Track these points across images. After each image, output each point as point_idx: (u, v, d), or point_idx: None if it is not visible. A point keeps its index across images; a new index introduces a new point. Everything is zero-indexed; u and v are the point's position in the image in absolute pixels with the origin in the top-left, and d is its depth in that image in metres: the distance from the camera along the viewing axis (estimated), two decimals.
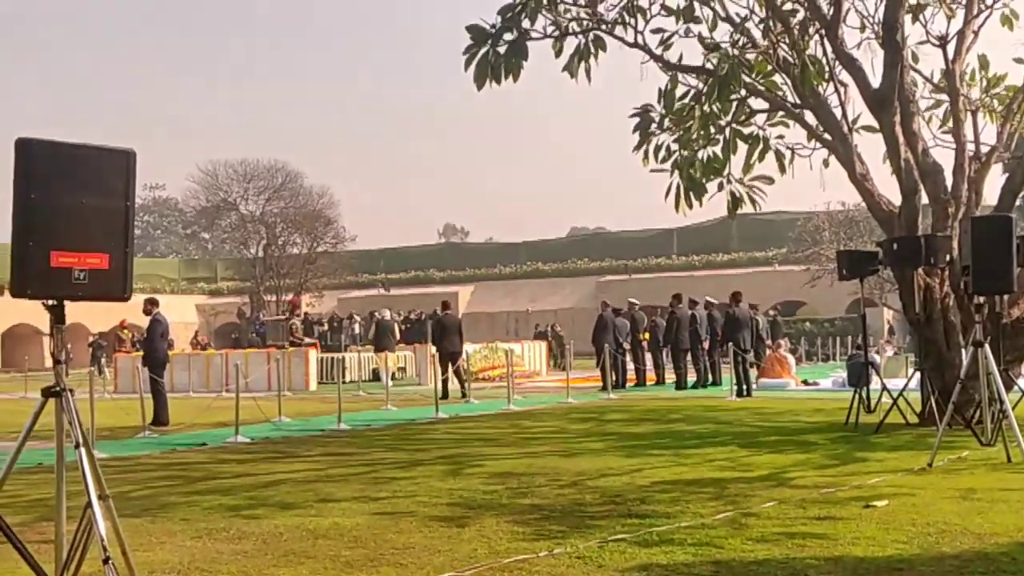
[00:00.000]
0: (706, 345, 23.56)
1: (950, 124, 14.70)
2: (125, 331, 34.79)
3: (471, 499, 8.15)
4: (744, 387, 20.27)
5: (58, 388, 4.86)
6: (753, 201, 15.27)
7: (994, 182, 14.52)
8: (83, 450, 4.77)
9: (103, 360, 39.46)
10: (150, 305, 17.13)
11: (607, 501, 7.89)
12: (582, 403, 19.56)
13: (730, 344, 20.37)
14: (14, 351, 51.88)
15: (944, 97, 15.10)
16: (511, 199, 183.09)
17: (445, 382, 20.94)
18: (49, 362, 5.05)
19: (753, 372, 24.58)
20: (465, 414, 17.48)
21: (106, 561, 4.53)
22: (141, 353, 19.80)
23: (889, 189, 14.24)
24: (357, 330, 41.85)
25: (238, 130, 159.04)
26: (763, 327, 27.70)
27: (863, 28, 14.98)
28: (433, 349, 22.51)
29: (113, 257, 4.89)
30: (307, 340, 31.83)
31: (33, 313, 36.90)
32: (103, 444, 12.86)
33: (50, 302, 4.82)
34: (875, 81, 13.61)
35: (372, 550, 6.27)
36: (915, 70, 14.74)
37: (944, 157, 14.11)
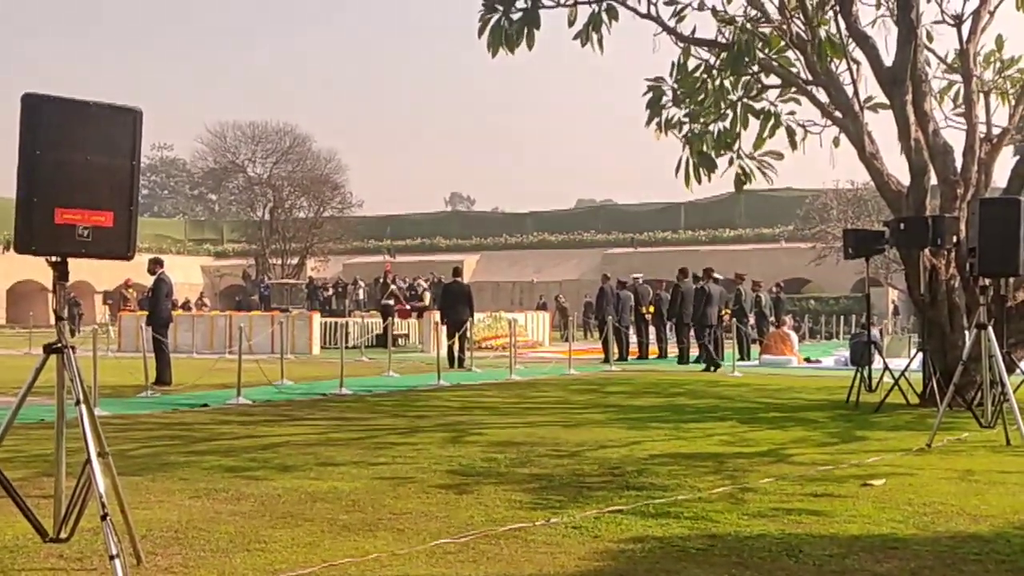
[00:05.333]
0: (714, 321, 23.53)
1: (962, 105, 14.61)
2: (130, 290, 34.85)
3: (470, 467, 8.18)
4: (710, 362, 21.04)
5: (60, 344, 4.87)
6: (765, 175, 15.21)
7: (1004, 165, 14.42)
8: (83, 407, 4.78)
9: (78, 319, 39.16)
10: (155, 265, 17.16)
11: (606, 472, 7.91)
12: (584, 374, 19.59)
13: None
14: (19, 307, 52.00)
15: (957, 77, 15.01)
16: (518, 169, 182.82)
17: (451, 350, 20.97)
18: (53, 318, 5.03)
19: (755, 348, 24.67)
20: (467, 382, 17.52)
21: (104, 518, 4.54)
22: (145, 312, 19.83)
23: (898, 169, 14.20)
24: (361, 295, 41.87)
25: (247, 92, 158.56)
26: (766, 303, 27.73)
27: (878, 5, 14.87)
28: (437, 316, 22.49)
29: (117, 215, 4.88)
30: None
31: (38, 269, 36.81)
32: (105, 402, 12.91)
33: (53, 259, 4.82)
34: (888, 59, 13.51)
35: (370, 514, 6.30)
36: (929, 49, 14.65)
37: (955, 138, 14.06)
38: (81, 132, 4.79)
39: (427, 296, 32.21)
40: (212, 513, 6.34)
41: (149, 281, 17.68)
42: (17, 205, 4.64)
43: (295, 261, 56.30)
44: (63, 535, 4.91)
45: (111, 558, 4.44)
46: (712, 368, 20.70)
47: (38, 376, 4.83)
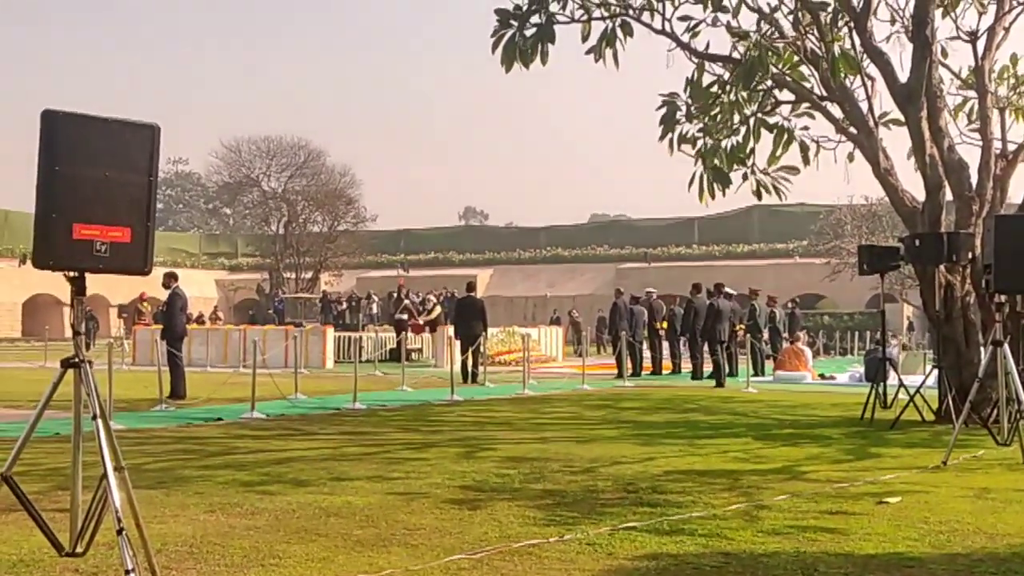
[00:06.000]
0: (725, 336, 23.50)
1: (977, 121, 14.58)
2: (145, 304, 34.96)
3: (484, 482, 8.18)
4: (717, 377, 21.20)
5: (77, 359, 4.89)
6: (778, 191, 15.23)
7: (1020, 181, 14.46)
8: (100, 422, 4.79)
9: (93, 333, 39.27)
10: (170, 279, 17.24)
11: (620, 489, 7.90)
12: (597, 390, 19.57)
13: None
14: (35, 320, 52.23)
15: (972, 94, 14.99)
16: (532, 184, 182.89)
17: (464, 364, 20.96)
18: (69, 332, 5.04)
19: (769, 364, 24.61)
20: (480, 397, 17.52)
21: (120, 532, 4.56)
22: (160, 326, 19.89)
23: (913, 185, 14.18)
24: (375, 310, 41.93)
25: (261, 107, 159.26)
26: (780, 319, 27.66)
27: (893, 21, 14.85)
28: (451, 330, 22.47)
29: (135, 231, 4.90)
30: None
31: (54, 283, 37.07)
32: (120, 416, 12.95)
33: (71, 274, 4.84)
34: (903, 75, 13.51)
35: (383, 530, 6.30)
36: (944, 65, 14.64)
37: (970, 154, 14.04)
38: (99, 148, 4.82)
39: (437, 310, 32.23)
40: (226, 528, 6.36)
41: (164, 295, 17.75)
42: (36, 220, 4.67)
43: (309, 275, 56.41)
44: (79, 549, 4.92)
45: (127, 572, 4.45)
46: (719, 385, 20.64)
47: (55, 390, 4.85)
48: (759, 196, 15.40)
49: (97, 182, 4.78)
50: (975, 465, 9.36)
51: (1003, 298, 10.05)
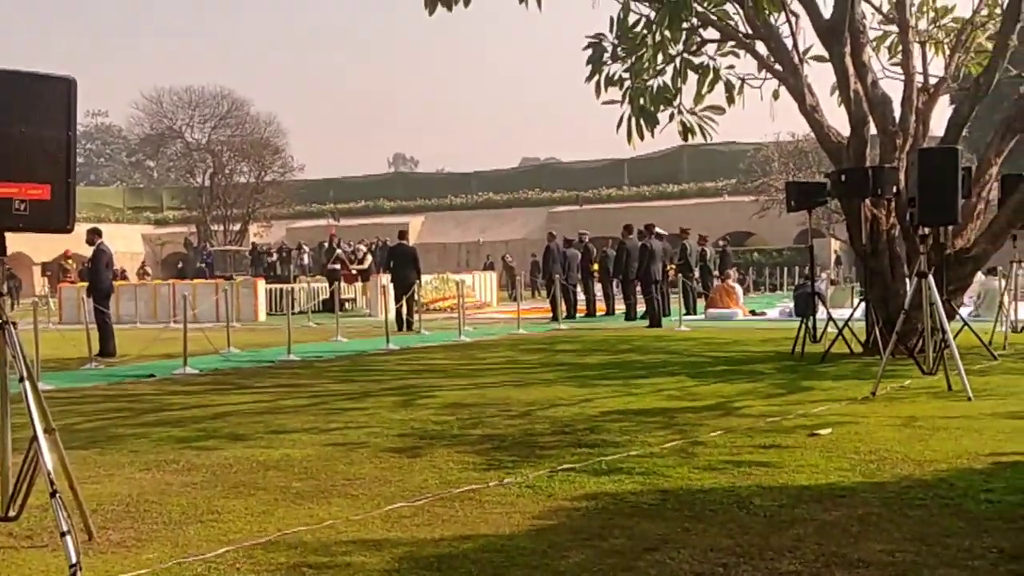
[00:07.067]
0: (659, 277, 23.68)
1: (899, 55, 14.74)
2: (69, 261, 34.28)
3: (422, 430, 8.19)
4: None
5: (1, 320, 4.78)
6: (704, 131, 15.31)
7: (941, 114, 14.67)
8: (27, 383, 4.70)
9: (17, 292, 38.49)
10: (94, 235, 16.89)
11: (557, 431, 7.96)
12: (532, 334, 19.65)
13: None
14: None
15: (893, 28, 15.12)
16: (461, 129, 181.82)
17: (399, 313, 20.91)
18: None
19: (701, 302, 24.90)
20: (416, 345, 17.50)
21: (53, 495, 4.49)
22: (86, 283, 19.53)
23: (838, 120, 14.33)
24: (306, 260, 41.57)
25: (183, 56, 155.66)
26: (711, 257, 27.95)
27: None
28: (385, 279, 22.36)
29: (55, 188, 4.77)
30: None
31: None
32: (48, 375, 12.71)
33: None
34: (826, 11, 13.58)
35: (323, 481, 6.29)
36: (866, 0, 14.73)
37: (893, 89, 14.19)
38: (13, 103, 4.67)
39: (368, 259, 32.07)
40: (163, 485, 6.29)
41: (88, 251, 17.40)
42: None
43: (237, 227, 55.75)
44: (11, 513, 4.84)
45: (62, 535, 4.38)
46: (653, 325, 20.83)
47: None
48: (685, 137, 15.47)
49: (12, 138, 4.62)
50: (903, 394, 9.58)
51: (927, 230, 10.24)
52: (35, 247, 50.39)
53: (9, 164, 4.62)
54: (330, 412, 9.39)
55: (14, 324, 4.81)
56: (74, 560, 4.34)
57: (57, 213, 4.81)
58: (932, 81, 14.52)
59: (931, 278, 9.87)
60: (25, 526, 5.20)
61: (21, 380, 4.71)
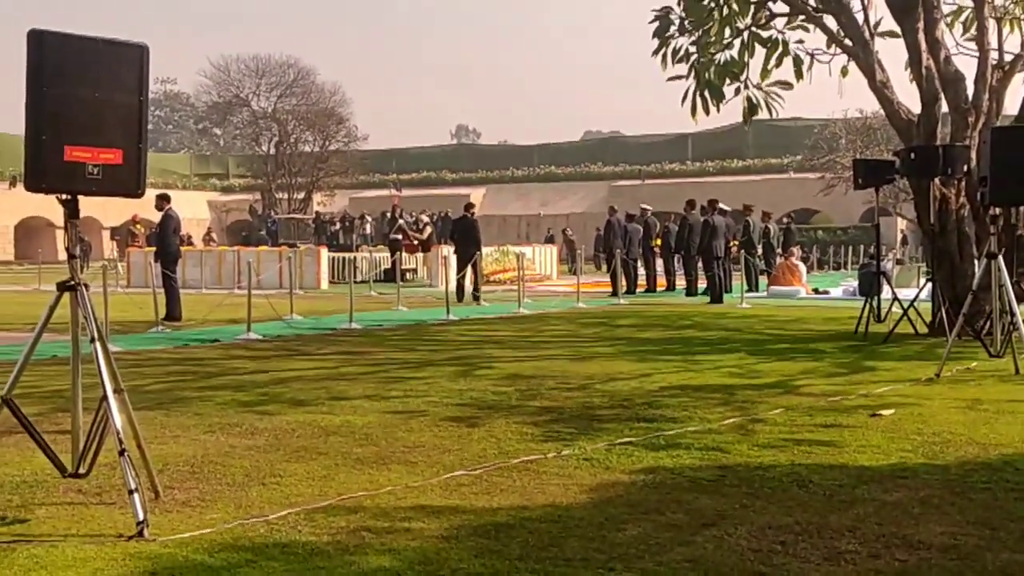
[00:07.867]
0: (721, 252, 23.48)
1: (974, 31, 14.41)
2: (137, 225, 34.82)
3: (481, 400, 8.24)
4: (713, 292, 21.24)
5: (73, 282, 4.88)
6: (770, 107, 15.11)
7: (1016, 92, 14.33)
8: (98, 344, 4.81)
9: (86, 255, 39.25)
10: (162, 201, 17.15)
11: (616, 405, 7.96)
12: (592, 308, 19.63)
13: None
14: (28, 243, 52.11)
15: (968, 3, 14.78)
16: (525, 102, 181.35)
17: (460, 284, 20.98)
18: (62, 255, 5.02)
19: (763, 279, 24.68)
20: (476, 316, 17.57)
21: (122, 453, 4.60)
22: (153, 248, 19.85)
23: (909, 97, 14.07)
24: (369, 230, 41.81)
25: (251, 25, 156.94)
26: (775, 235, 27.66)
27: None
28: (447, 250, 22.41)
29: (127, 153, 4.86)
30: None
31: (45, 205, 36.92)
32: (116, 338, 12.97)
33: (64, 196, 4.80)
34: None
35: (383, 448, 6.36)
36: None
37: (966, 65, 13.90)
38: (88, 69, 4.74)
39: (428, 230, 32.20)
40: (227, 447, 6.41)
41: (156, 217, 17.68)
42: (26, 142, 4.61)
43: (301, 196, 56.22)
44: (82, 470, 4.97)
45: (130, 492, 4.49)
46: (714, 301, 20.69)
47: (52, 314, 4.85)
48: (752, 112, 15.26)
49: (87, 103, 4.71)
50: (968, 377, 9.44)
51: (998, 211, 10.03)
52: (104, 212, 51.29)
53: (83, 129, 4.71)
54: (390, 380, 9.47)
55: (86, 286, 4.91)
56: (141, 517, 4.45)
57: (129, 178, 4.90)
58: (1007, 58, 14.19)
59: (1001, 259, 9.68)
60: (95, 483, 5.33)
61: (92, 341, 4.81)
